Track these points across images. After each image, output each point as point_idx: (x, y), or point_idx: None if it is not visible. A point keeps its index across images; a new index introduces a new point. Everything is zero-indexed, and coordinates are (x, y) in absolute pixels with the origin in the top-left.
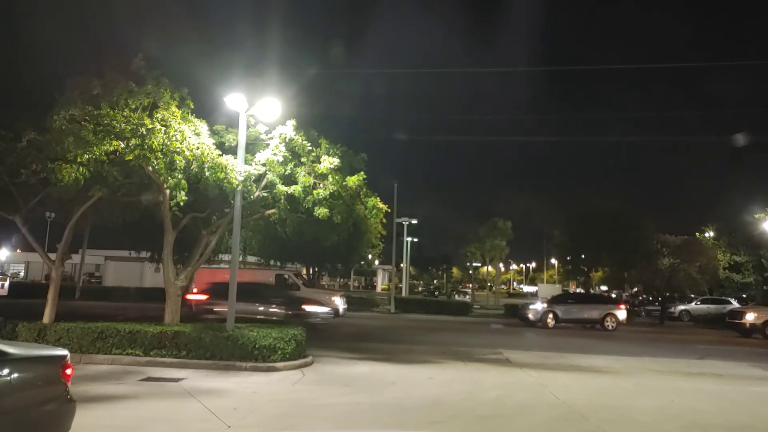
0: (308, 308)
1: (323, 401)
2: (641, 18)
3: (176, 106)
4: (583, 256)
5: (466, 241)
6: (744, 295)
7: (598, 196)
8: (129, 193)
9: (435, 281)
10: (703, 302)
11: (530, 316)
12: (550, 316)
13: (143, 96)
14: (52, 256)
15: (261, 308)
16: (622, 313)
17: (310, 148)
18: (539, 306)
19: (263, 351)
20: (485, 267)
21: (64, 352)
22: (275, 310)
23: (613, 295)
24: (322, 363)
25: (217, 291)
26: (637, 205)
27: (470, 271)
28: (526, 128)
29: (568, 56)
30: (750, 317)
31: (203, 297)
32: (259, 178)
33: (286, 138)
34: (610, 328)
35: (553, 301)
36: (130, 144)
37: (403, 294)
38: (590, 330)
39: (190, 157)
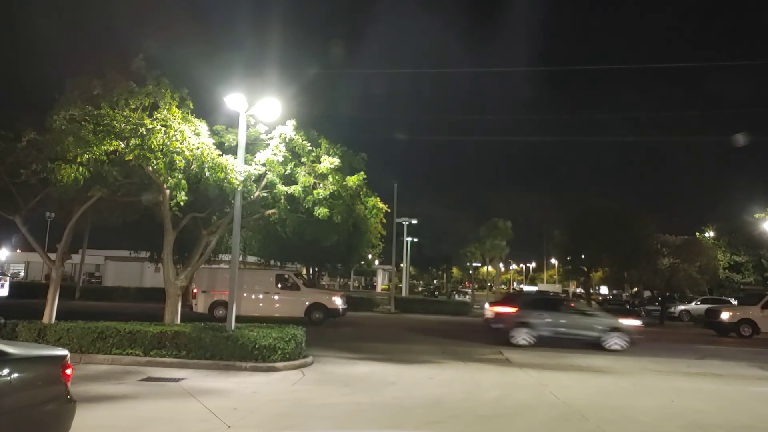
0: (626, 323)
1: (323, 401)
2: (642, 18)
3: (176, 106)
4: (583, 256)
5: (466, 241)
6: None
7: (598, 196)
8: (129, 193)
9: (435, 281)
10: (703, 302)
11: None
12: None
13: (143, 96)
14: (52, 256)
15: (576, 320)
16: None
17: (310, 148)
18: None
19: (263, 351)
20: (485, 267)
21: (64, 352)
22: (594, 323)
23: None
24: (322, 363)
25: (530, 303)
26: (637, 205)
27: (470, 271)
28: (526, 128)
29: (569, 56)
30: (725, 316)
31: (512, 309)
32: (259, 178)
33: (286, 138)
34: None
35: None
36: (130, 144)
37: (403, 294)
38: None
39: (190, 157)
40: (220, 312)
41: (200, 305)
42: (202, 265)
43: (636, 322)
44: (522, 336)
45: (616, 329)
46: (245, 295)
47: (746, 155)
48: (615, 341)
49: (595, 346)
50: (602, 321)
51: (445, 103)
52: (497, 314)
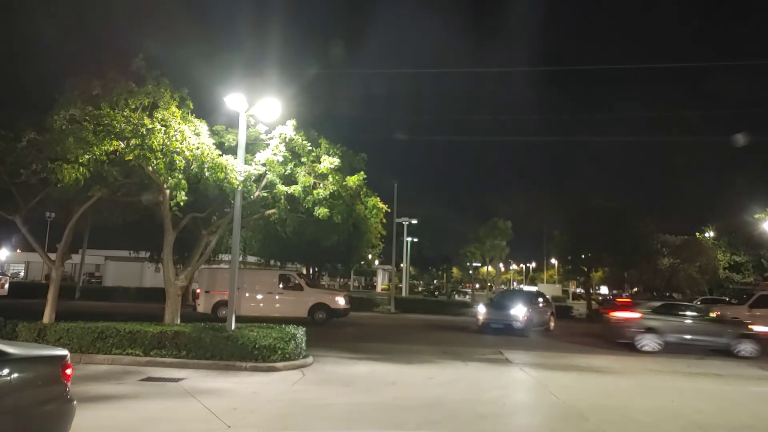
0: (756, 329)
1: (323, 401)
2: (642, 17)
3: (176, 106)
4: (583, 256)
5: (466, 241)
6: (745, 296)
7: (598, 196)
8: (129, 193)
9: (435, 281)
10: (703, 302)
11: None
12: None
13: (143, 96)
14: (52, 256)
15: (703, 326)
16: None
17: (310, 148)
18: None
19: (263, 351)
20: (485, 267)
21: (64, 352)
22: (722, 329)
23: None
24: (322, 363)
25: (655, 308)
26: (637, 205)
27: (470, 271)
28: (526, 128)
29: (569, 56)
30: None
31: (636, 315)
32: (259, 178)
33: (286, 138)
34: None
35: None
36: (130, 144)
37: (403, 294)
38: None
39: (190, 157)
40: (223, 312)
41: (203, 305)
42: (204, 265)
43: (766, 329)
44: (648, 342)
45: (747, 336)
46: (248, 295)
47: (746, 155)
48: (746, 348)
49: (723, 353)
50: (730, 327)
51: (445, 103)
52: (619, 320)
